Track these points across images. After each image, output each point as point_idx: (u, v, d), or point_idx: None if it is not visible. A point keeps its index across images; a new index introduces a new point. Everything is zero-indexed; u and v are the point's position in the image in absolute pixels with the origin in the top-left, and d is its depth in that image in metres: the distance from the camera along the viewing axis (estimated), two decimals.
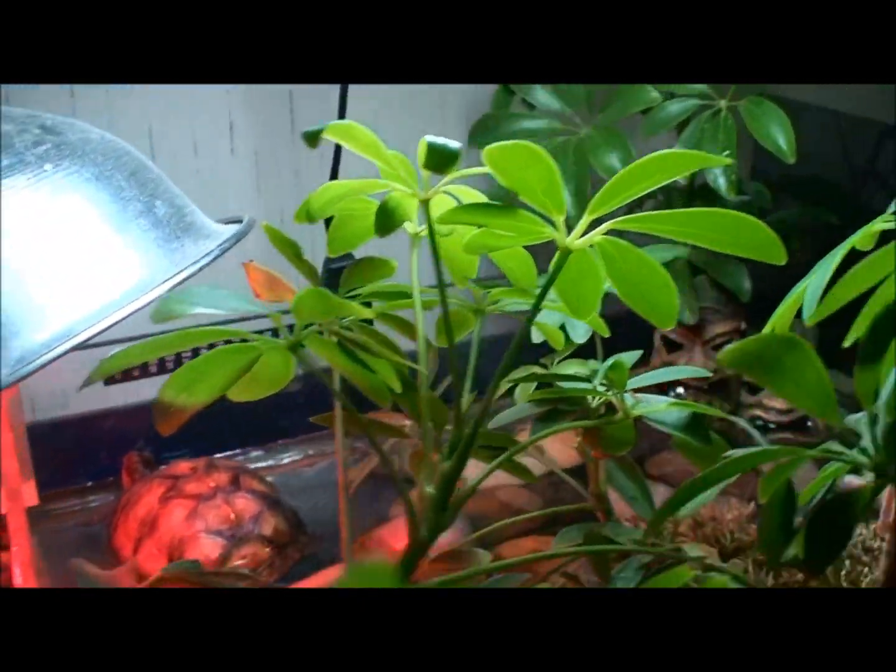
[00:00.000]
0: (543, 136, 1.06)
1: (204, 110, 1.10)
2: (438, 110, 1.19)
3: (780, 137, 0.94)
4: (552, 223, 0.50)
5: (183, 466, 1.03)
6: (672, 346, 1.14)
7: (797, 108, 1.01)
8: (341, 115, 0.93)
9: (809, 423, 1.08)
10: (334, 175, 0.91)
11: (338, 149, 0.91)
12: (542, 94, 1.08)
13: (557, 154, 1.02)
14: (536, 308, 0.53)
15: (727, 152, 0.97)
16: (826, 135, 1.21)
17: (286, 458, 1.20)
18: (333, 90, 0.96)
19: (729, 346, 0.43)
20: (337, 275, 0.60)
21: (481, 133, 1.09)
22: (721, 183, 0.99)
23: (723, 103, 1.03)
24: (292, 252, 0.58)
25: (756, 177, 1.22)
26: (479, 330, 0.62)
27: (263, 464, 1.19)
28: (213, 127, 1.11)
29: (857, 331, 0.47)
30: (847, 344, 0.47)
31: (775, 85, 1.07)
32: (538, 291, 0.54)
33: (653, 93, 1.02)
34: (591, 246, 0.50)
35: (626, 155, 1.01)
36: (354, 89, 0.95)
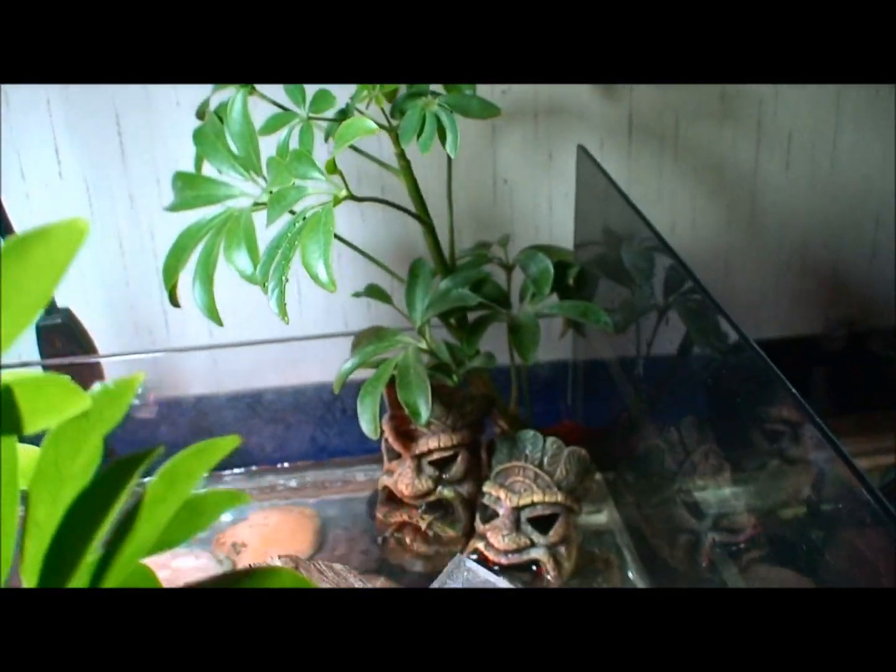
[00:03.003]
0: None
1: (26, 133, 1.09)
2: None
3: None
4: None
5: None
6: (394, 453, 0.94)
7: None
8: None
9: (534, 568, 0.86)
10: None
11: None
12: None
13: None
14: None
15: None
16: None
17: None
18: (159, 113, 0.99)
19: None
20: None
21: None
22: None
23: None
24: None
25: None
26: None
27: None
28: (40, 150, 1.10)
29: None
30: None
31: None
32: None
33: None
34: None
35: None
36: None
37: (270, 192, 0.78)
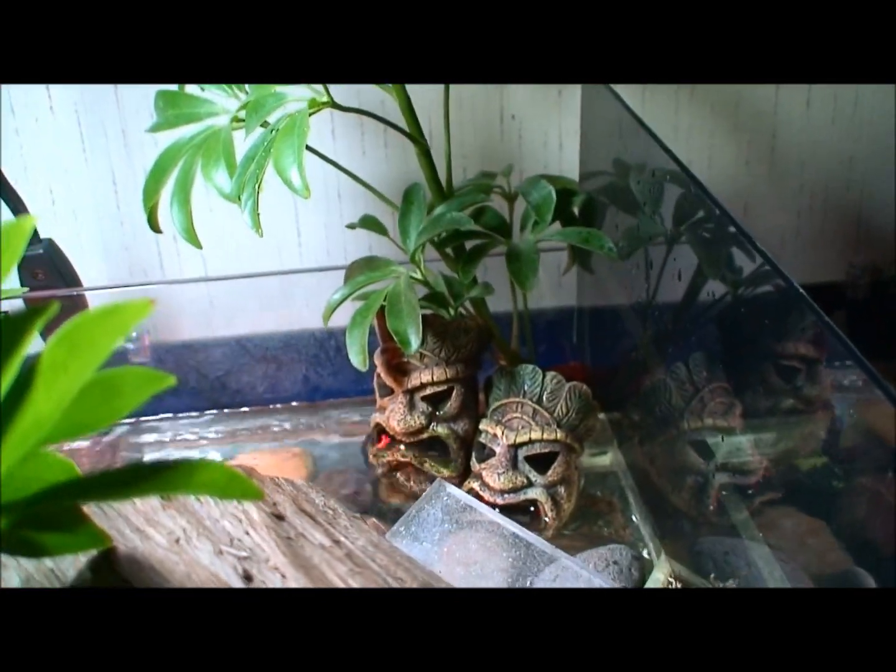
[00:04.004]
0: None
1: None
2: None
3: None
4: None
5: None
6: (387, 389, 0.89)
7: None
8: None
9: (532, 509, 0.82)
10: None
11: None
12: None
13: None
14: None
15: None
16: None
17: None
18: None
19: None
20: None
21: None
22: None
23: None
24: None
25: None
26: None
27: None
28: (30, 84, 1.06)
29: None
30: None
31: None
32: None
33: None
34: None
35: None
36: None
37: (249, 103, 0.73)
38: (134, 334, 1.11)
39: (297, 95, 0.73)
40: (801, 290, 0.59)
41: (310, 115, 0.70)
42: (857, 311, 1.19)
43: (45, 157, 1.06)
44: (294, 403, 1.07)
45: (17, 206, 0.97)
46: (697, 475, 0.82)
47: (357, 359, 0.80)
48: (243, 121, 0.75)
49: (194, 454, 0.99)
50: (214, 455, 0.98)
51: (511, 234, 0.88)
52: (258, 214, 0.68)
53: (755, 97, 1.10)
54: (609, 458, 0.94)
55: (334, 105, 0.72)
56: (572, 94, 1.06)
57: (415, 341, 0.77)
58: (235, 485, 0.39)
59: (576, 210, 0.91)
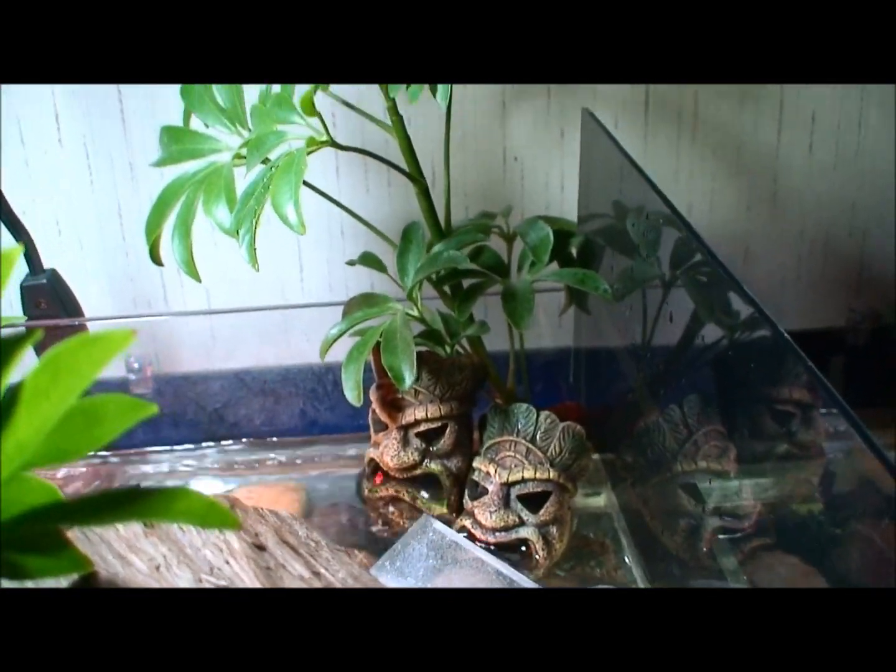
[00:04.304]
0: None
1: (26, 99, 1.06)
2: None
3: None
4: None
5: None
6: (381, 425, 0.90)
7: None
8: None
9: (523, 549, 0.82)
10: None
11: None
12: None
13: None
14: None
15: None
16: None
17: None
18: None
19: None
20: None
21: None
22: None
23: None
24: None
25: None
26: None
27: None
28: (39, 116, 1.08)
29: None
30: None
31: None
32: None
33: None
34: None
35: None
36: None
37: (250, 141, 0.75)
38: (136, 365, 1.11)
39: (297, 134, 0.74)
40: (787, 337, 0.60)
41: (308, 153, 0.71)
42: (857, 357, 1.19)
43: (53, 188, 1.08)
44: (290, 438, 1.08)
45: (20, 236, 0.98)
46: (690, 518, 0.82)
47: (352, 394, 0.81)
48: (244, 157, 0.77)
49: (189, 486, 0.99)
50: (211, 487, 0.98)
51: (508, 273, 0.89)
52: (255, 249, 0.69)
53: (757, 141, 1.11)
54: (603, 499, 0.94)
55: (333, 144, 0.74)
56: (573, 136, 1.08)
57: (409, 377, 0.77)
58: (213, 514, 0.39)
59: (573, 251, 0.92)
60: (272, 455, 1.04)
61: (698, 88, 1.09)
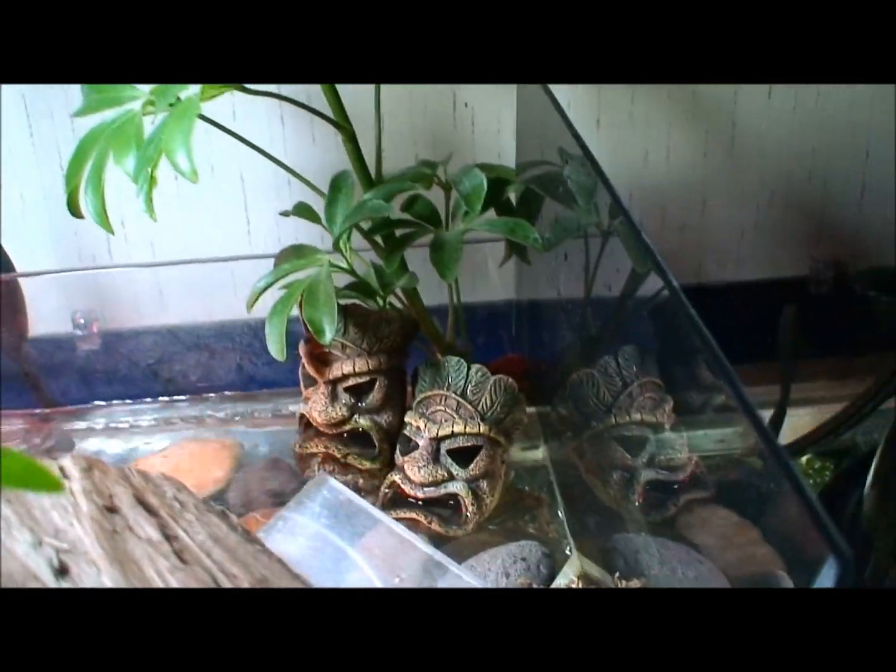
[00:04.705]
0: None
1: None
2: None
3: None
4: None
5: None
6: (311, 379, 0.88)
7: None
8: None
9: (452, 502, 0.81)
10: None
11: None
12: None
13: None
14: None
15: None
16: None
17: None
18: None
19: None
20: None
21: None
22: None
23: None
24: None
25: None
26: None
27: None
28: None
29: None
30: None
31: None
32: None
33: None
34: None
35: None
36: None
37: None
38: (82, 321, 1.10)
39: None
40: (678, 289, 0.57)
41: (211, 97, 0.68)
42: (821, 307, 1.17)
43: None
44: (230, 392, 1.06)
45: None
46: (624, 471, 0.80)
47: (275, 348, 0.79)
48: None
49: (121, 443, 0.98)
50: (146, 443, 0.97)
51: (442, 223, 0.86)
52: (152, 200, 0.67)
53: (714, 85, 1.07)
54: (542, 453, 0.93)
55: (243, 89, 0.71)
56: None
57: (329, 331, 0.75)
58: (32, 476, 0.37)
59: (511, 199, 0.90)
60: (209, 412, 1.02)
61: None
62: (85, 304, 1.09)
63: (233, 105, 1.02)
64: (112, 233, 0.76)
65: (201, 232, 1.09)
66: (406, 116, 1.06)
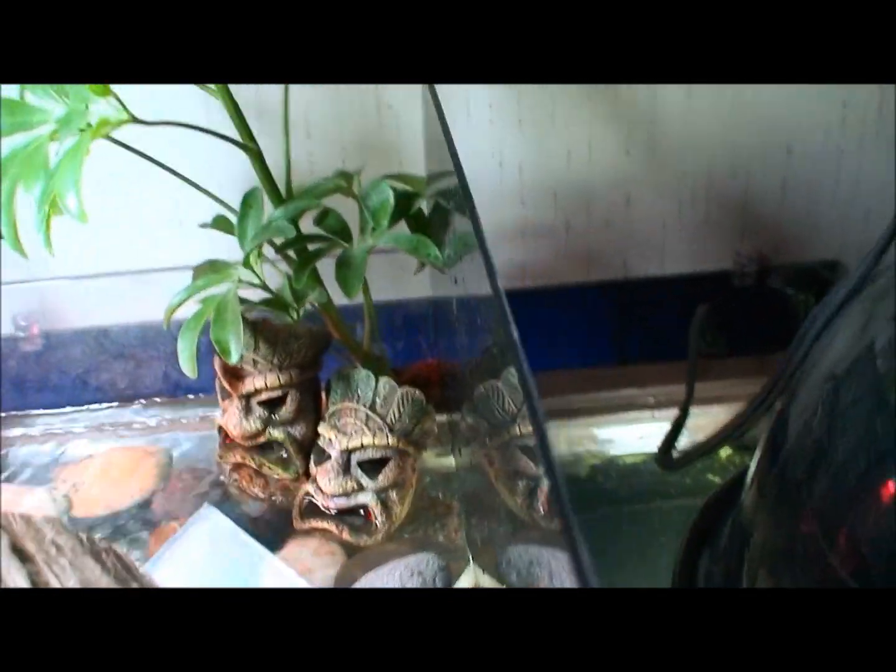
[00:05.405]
0: None
1: None
2: None
3: None
4: None
5: None
6: (227, 392, 0.90)
7: None
8: None
9: (363, 512, 0.85)
10: None
11: None
12: None
13: None
14: None
15: None
16: None
17: None
18: None
19: None
20: None
21: None
22: None
23: None
24: None
25: None
26: None
27: None
28: None
29: None
30: None
31: None
32: None
33: None
34: None
35: None
36: None
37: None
38: (24, 323, 1.12)
39: (102, 111, 0.73)
40: (500, 290, 0.59)
41: (104, 134, 0.70)
42: (745, 300, 1.19)
43: None
44: (157, 399, 1.08)
45: None
46: (529, 479, 0.83)
47: (187, 365, 0.81)
48: None
49: (54, 449, 1.00)
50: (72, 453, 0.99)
51: (353, 237, 0.88)
52: (48, 235, 0.69)
53: (633, 84, 1.09)
54: (454, 460, 0.95)
55: (135, 120, 0.73)
56: None
57: (235, 351, 0.78)
58: None
59: (420, 213, 0.92)
60: (139, 419, 1.05)
61: None
62: (24, 307, 1.11)
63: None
64: (26, 256, 0.78)
65: (141, 238, 1.11)
66: (333, 121, 1.07)
